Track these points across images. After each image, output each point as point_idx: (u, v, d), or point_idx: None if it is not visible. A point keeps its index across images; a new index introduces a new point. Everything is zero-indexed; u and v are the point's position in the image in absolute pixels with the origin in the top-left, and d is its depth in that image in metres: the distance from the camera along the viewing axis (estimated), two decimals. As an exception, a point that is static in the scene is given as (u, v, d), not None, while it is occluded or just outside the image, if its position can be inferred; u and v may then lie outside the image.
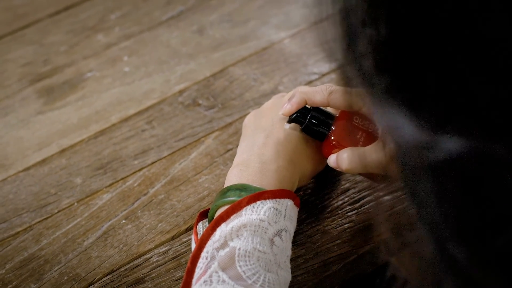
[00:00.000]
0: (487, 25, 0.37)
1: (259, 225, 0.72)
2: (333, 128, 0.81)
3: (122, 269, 0.82)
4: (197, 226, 0.78)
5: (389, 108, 0.40)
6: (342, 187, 0.87)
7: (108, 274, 0.82)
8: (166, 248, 0.84)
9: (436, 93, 0.39)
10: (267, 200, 0.74)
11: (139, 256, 0.83)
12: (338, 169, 0.78)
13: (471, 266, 0.42)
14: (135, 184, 0.91)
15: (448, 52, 0.38)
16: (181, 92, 1.03)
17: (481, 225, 0.41)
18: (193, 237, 0.76)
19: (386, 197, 0.50)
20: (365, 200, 0.85)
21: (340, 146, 0.80)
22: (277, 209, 0.74)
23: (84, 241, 0.85)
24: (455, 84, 0.38)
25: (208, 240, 0.72)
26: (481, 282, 0.42)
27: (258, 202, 0.74)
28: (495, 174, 0.39)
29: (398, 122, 0.40)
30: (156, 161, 0.94)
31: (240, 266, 0.69)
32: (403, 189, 0.43)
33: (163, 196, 0.89)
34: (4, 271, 0.83)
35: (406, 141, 0.40)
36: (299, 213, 0.80)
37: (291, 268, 0.75)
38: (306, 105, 0.82)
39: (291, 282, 0.74)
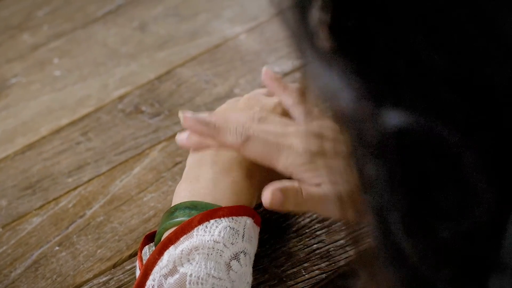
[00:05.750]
0: None
1: (213, 247, 0.72)
2: None
3: (55, 304, 0.82)
4: (142, 251, 0.78)
5: (332, 72, 0.41)
6: (309, 202, 0.87)
7: (40, 310, 0.82)
8: (107, 277, 0.83)
9: (385, 61, 0.40)
10: (222, 219, 0.74)
11: (76, 288, 0.83)
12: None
13: (417, 258, 0.43)
14: (70, 205, 0.91)
15: (400, 21, 0.39)
16: (121, 98, 1.03)
17: (426, 214, 0.42)
18: (137, 263, 0.76)
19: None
20: (336, 216, 0.86)
21: None
22: (234, 228, 0.74)
23: (11, 272, 0.85)
24: (405, 53, 0.39)
25: (154, 266, 0.72)
26: (426, 276, 0.43)
27: (212, 221, 0.74)
28: (440, 157, 0.40)
29: (340, 89, 0.41)
30: (93, 178, 0.94)
31: (192, 296, 0.69)
32: (354, 170, 0.44)
33: (102, 218, 0.89)
34: None
35: (346, 111, 0.41)
36: (261, 233, 0.80)
37: (253, 297, 0.75)
38: None
39: (252, 312, 0.74)
